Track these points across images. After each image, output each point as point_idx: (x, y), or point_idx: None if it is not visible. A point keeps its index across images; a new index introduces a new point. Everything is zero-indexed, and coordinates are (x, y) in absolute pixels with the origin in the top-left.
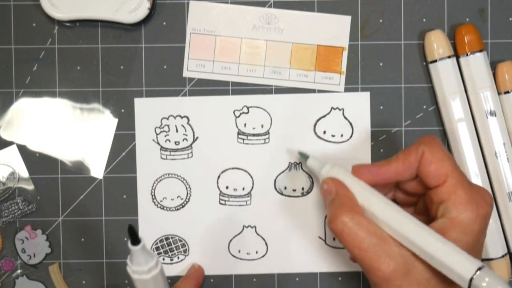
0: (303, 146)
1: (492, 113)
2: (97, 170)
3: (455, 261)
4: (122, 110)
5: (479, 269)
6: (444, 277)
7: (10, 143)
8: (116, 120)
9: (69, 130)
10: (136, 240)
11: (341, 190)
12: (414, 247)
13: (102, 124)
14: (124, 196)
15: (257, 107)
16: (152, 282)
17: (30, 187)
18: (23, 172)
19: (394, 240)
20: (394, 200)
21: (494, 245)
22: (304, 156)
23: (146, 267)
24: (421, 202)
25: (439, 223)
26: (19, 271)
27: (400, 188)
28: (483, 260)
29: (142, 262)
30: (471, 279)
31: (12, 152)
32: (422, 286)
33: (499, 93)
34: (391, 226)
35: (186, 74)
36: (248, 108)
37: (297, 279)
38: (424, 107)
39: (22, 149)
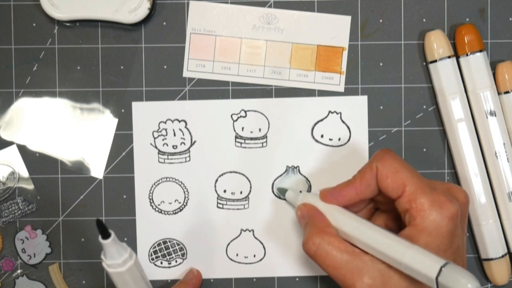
0: (300, 150)
1: (492, 113)
2: (97, 170)
3: (420, 262)
4: (122, 110)
5: (443, 266)
6: (420, 283)
7: (10, 143)
8: (116, 120)
9: (69, 130)
10: (106, 234)
11: (312, 213)
12: (384, 256)
13: (102, 124)
14: (124, 196)
15: (255, 111)
16: (128, 274)
17: (30, 187)
18: (23, 172)
19: (367, 255)
20: (377, 210)
21: (494, 245)
22: (282, 191)
23: (120, 260)
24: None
25: (407, 231)
26: (19, 271)
27: (376, 201)
28: (483, 260)
29: (116, 255)
30: (437, 278)
31: (12, 152)
32: None
33: (499, 93)
34: (361, 240)
35: (186, 74)
36: (245, 112)
37: (297, 279)
38: (424, 107)
39: (22, 149)
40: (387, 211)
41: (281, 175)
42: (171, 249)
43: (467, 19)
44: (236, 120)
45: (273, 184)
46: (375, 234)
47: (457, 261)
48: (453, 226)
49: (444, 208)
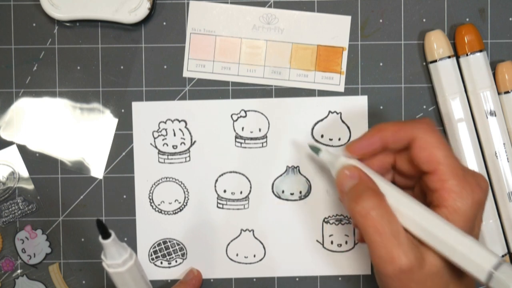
0: (300, 150)
1: (492, 113)
2: (97, 170)
3: (476, 253)
4: (122, 110)
5: (500, 264)
6: (454, 270)
7: (10, 143)
8: (116, 120)
9: (69, 130)
10: (106, 234)
11: (365, 176)
12: (433, 239)
13: (102, 124)
14: (124, 196)
15: (255, 111)
16: (128, 274)
17: (30, 187)
18: (23, 172)
19: (407, 233)
20: (394, 183)
21: (494, 245)
22: (315, 149)
23: (120, 260)
24: (418, 186)
25: (438, 212)
26: (19, 271)
27: (397, 171)
28: None
29: (116, 255)
30: (491, 272)
31: (12, 152)
32: (433, 278)
33: (499, 93)
34: (411, 217)
35: (186, 74)
36: (245, 112)
37: (297, 279)
38: (424, 107)
39: (22, 149)
40: (402, 188)
41: (281, 175)
42: (171, 249)
43: (467, 19)
44: (236, 120)
45: (273, 184)
46: (426, 214)
47: None
48: (479, 211)
49: (475, 193)
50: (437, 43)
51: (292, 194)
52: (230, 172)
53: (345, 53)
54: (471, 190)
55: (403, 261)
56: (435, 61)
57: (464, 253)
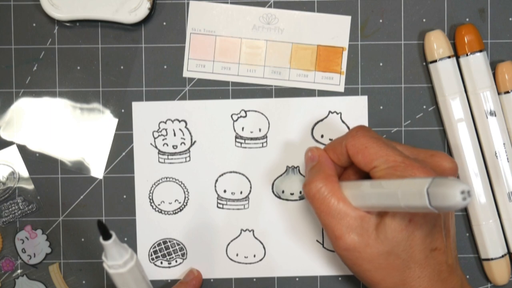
0: (300, 150)
1: (492, 113)
2: (97, 170)
3: (413, 185)
4: (122, 110)
5: (431, 180)
6: (420, 252)
7: (10, 143)
8: (116, 120)
9: (69, 130)
10: (107, 235)
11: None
12: (379, 197)
13: (102, 124)
14: (124, 196)
15: (255, 111)
16: (129, 275)
17: (30, 187)
18: (23, 172)
19: (360, 212)
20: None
21: (494, 245)
22: None
23: (121, 261)
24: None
25: None
26: (19, 271)
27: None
28: (483, 260)
29: (117, 256)
30: (427, 192)
31: (12, 152)
32: (386, 257)
33: (499, 93)
34: (355, 193)
35: (186, 74)
36: (245, 112)
37: (297, 279)
38: (424, 107)
39: (22, 149)
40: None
41: (281, 175)
42: (171, 249)
43: (467, 19)
44: (236, 120)
45: (273, 184)
46: (370, 181)
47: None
48: None
49: (420, 174)
50: (437, 43)
51: (292, 194)
52: (230, 172)
53: (345, 53)
54: (412, 173)
55: (347, 240)
56: (435, 61)
57: (403, 191)
